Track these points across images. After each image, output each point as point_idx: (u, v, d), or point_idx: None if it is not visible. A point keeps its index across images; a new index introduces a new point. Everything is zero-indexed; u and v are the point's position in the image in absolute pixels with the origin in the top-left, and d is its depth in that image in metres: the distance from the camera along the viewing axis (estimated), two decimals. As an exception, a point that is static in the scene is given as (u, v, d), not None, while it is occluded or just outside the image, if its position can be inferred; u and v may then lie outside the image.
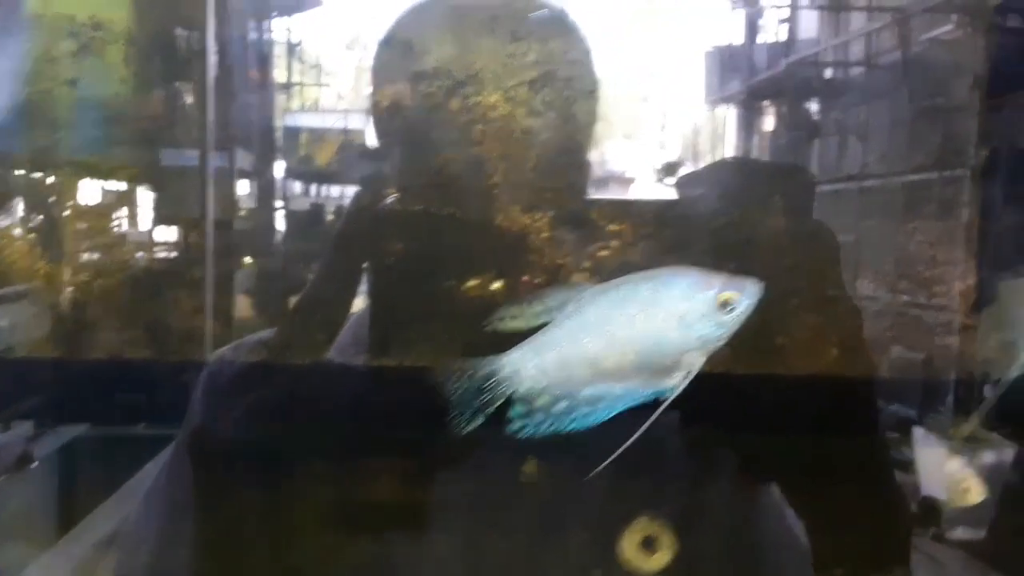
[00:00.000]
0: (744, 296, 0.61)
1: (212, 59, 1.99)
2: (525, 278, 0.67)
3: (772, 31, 3.46)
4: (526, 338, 0.59)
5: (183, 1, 2.10)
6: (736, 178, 0.68)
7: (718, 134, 4.35)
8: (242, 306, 2.37)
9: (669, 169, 4.41)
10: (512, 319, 0.58)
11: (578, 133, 0.64)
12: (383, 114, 0.62)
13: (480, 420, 0.55)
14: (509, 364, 0.58)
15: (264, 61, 2.80)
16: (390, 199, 0.65)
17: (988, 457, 1.96)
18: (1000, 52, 2.50)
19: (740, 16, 3.62)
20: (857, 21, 3.09)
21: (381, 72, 0.62)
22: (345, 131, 3.63)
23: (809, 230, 0.67)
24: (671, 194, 0.68)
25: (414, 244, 0.64)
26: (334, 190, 3.58)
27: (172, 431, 0.78)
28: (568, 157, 0.65)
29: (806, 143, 3.12)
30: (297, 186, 3.35)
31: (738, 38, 3.69)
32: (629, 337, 0.59)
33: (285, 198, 2.98)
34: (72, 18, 1.61)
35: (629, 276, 0.61)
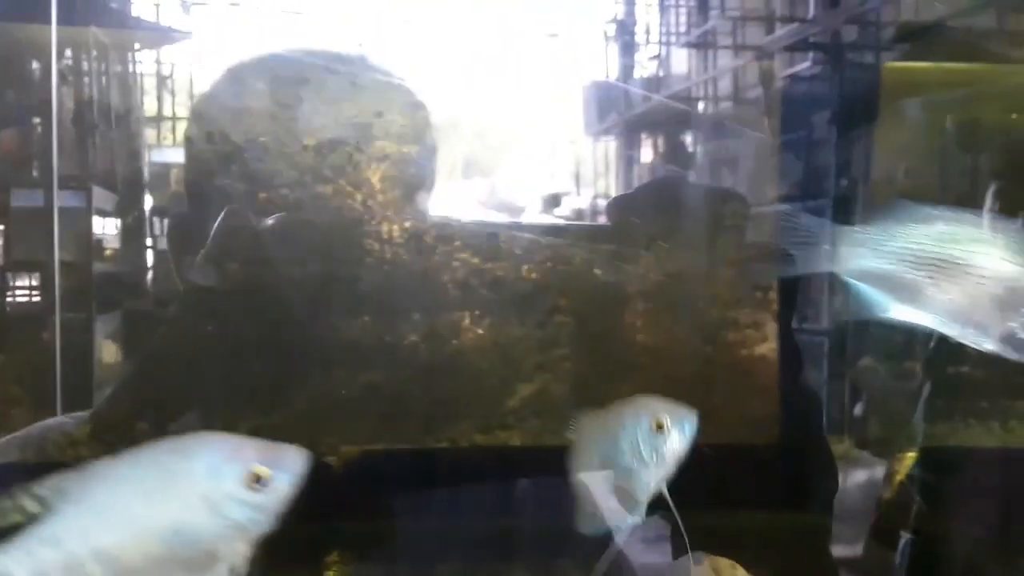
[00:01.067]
0: (282, 470, 0.52)
1: (56, 93, 1.90)
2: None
3: (645, 67, 3.56)
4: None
5: (32, 35, 2.01)
6: (672, 200, 0.67)
7: (600, 166, 4.44)
8: (107, 352, 2.26)
9: (554, 200, 4.46)
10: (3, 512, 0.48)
11: (374, 198, 0.61)
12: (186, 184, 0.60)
13: None
14: None
15: (128, 95, 2.70)
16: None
17: (860, 475, 2.03)
18: (855, 88, 2.64)
19: (614, 52, 3.72)
20: (724, 58, 3.22)
21: (185, 143, 0.59)
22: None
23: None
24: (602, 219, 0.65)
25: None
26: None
27: None
28: (363, 227, 0.63)
29: (682, 174, 3.21)
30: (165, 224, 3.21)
31: (613, 73, 3.80)
32: (150, 524, 0.49)
33: (152, 237, 2.85)
34: None
35: (148, 447, 0.52)
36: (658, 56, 3.46)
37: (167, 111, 3.36)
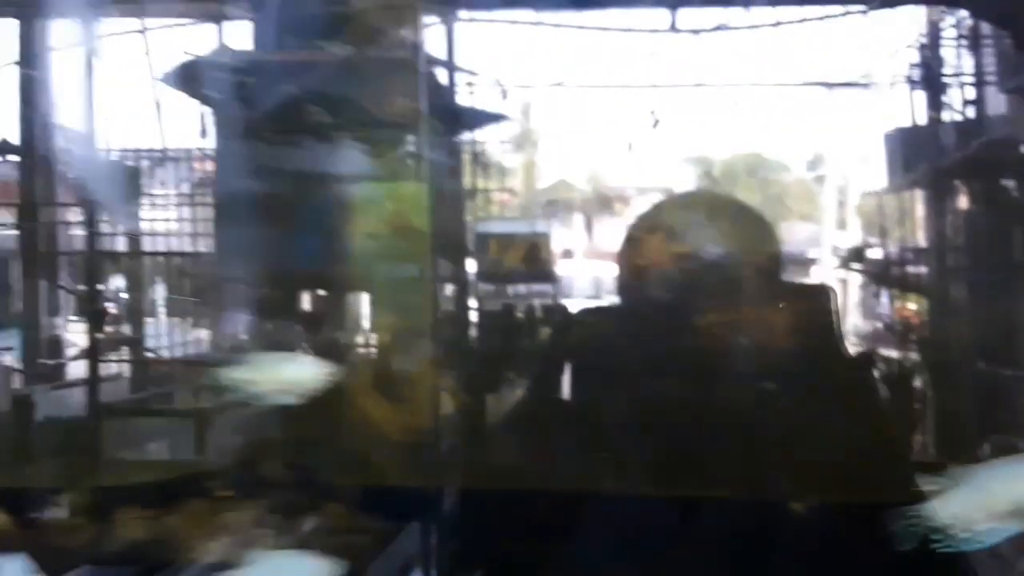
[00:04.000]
0: None
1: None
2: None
3: (958, 112, 3.35)
4: None
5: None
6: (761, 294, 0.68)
7: (905, 215, 4.19)
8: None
9: (856, 254, 4.27)
10: None
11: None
12: (629, 275, 0.70)
13: None
14: None
15: (458, 172, 3.00)
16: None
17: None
18: None
19: (920, 99, 3.52)
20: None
21: (639, 245, 0.69)
22: (533, 234, 3.86)
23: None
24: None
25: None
26: (522, 289, 3.75)
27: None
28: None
29: (1012, 224, 2.98)
30: (487, 288, 3.54)
31: (920, 119, 3.57)
32: None
33: (478, 299, 3.14)
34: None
35: None
36: (973, 100, 3.24)
37: (485, 184, 3.71)
